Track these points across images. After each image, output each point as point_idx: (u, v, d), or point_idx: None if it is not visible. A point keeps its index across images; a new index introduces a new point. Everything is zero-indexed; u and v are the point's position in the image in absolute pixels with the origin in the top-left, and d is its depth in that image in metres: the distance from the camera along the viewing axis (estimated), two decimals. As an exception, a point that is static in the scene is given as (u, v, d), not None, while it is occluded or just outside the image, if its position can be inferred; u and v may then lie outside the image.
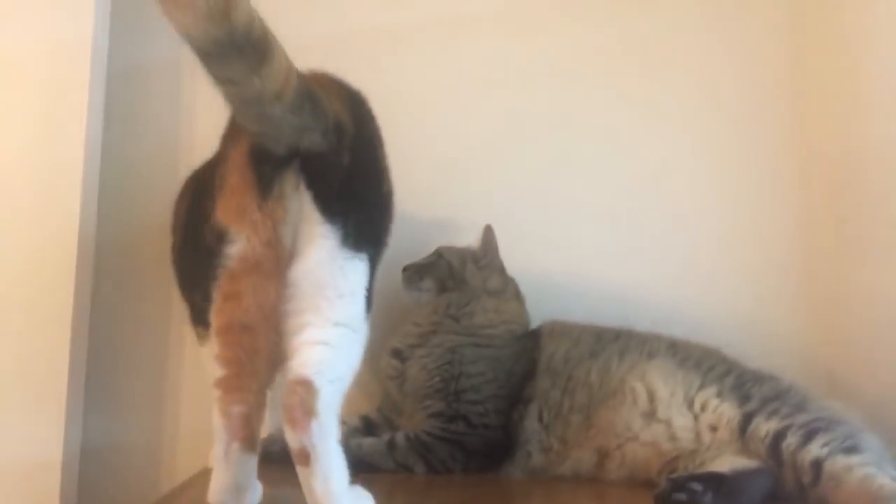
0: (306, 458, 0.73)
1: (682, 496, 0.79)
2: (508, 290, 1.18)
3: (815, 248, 1.30)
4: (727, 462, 0.87)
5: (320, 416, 0.73)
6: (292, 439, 0.73)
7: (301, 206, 0.78)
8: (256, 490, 0.81)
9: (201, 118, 1.38)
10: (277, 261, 0.77)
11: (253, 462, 0.79)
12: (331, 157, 0.79)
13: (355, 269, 0.79)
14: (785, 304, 1.30)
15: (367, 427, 1.15)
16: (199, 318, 1.02)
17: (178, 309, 1.34)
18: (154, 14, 0.68)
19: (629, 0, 1.39)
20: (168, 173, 1.34)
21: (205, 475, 0.91)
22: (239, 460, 0.77)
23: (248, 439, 0.77)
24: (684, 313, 1.28)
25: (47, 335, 1.19)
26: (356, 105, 0.84)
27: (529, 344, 1.11)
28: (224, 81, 0.71)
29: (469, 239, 1.24)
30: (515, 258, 1.22)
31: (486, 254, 1.20)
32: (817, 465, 0.84)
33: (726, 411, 0.94)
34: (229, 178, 0.79)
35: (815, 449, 0.85)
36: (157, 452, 1.34)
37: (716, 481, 0.81)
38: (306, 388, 0.73)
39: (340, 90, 0.84)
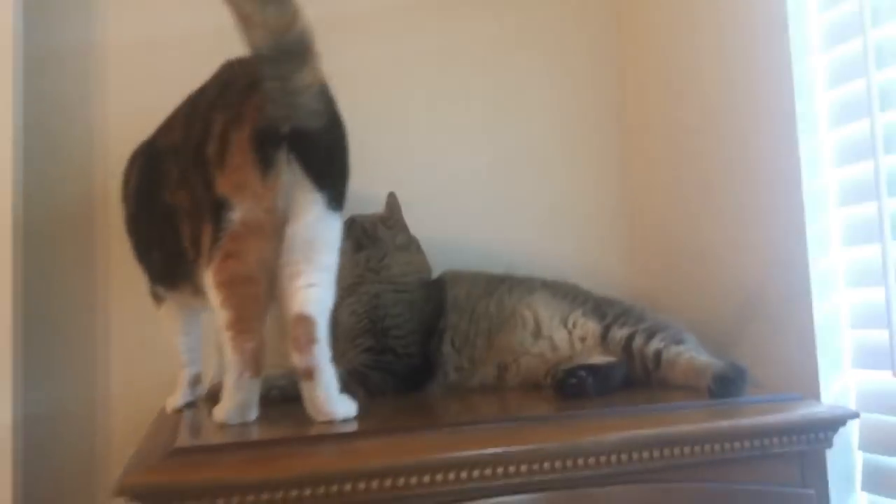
0: (311, 373, 0.93)
1: (573, 380, 1.08)
2: (413, 245, 1.43)
3: (639, 205, 1.70)
4: (596, 358, 1.18)
5: (320, 341, 0.93)
6: (299, 360, 0.93)
7: (294, 178, 0.95)
8: (256, 408, 1.00)
9: (112, 100, 1.48)
10: (276, 224, 0.95)
11: (258, 385, 0.97)
12: (323, 134, 0.96)
13: (336, 226, 0.99)
14: (618, 248, 1.70)
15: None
16: (158, 279, 1.16)
17: (105, 280, 1.46)
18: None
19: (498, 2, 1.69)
20: (85, 150, 1.46)
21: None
22: (249, 385, 0.95)
23: (257, 368, 0.95)
24: (546, 259, 1.61)
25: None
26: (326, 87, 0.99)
27: (435, 288, 1.36)
28: (274, 78, 0.89)
29: (375, 208, 1.47)
30: (413, 220, 1.47)
31: (392, 216, 1.43)
32: (657, 354, 1.16)
33: (591, 326, 1.25)
34: (231, 158, 0.95)
35: (655, 343, 1.17)
36: (91, 417, 1.43)
37: (594, 369, 1.11)
38: (308, 321, 0.93)
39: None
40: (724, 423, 0.95)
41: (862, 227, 1.16)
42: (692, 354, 1.14)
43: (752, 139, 1.32)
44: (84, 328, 1.44)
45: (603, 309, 1.29)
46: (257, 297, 0.95)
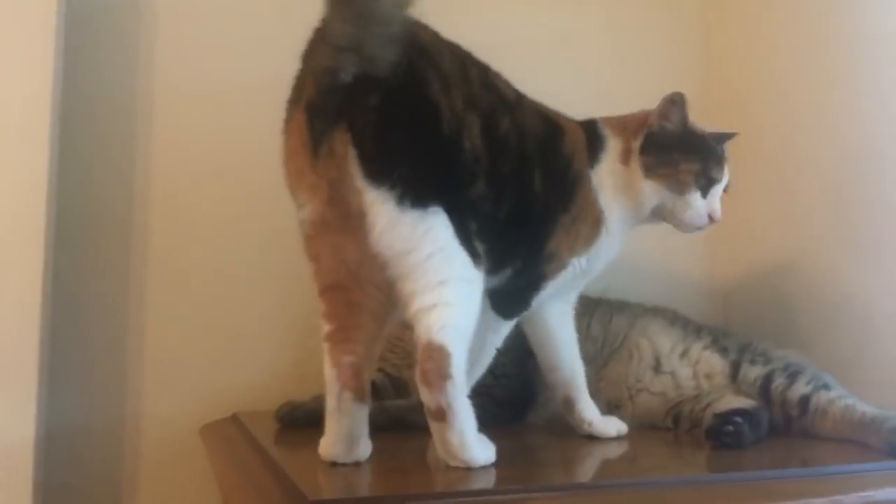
0: (442, 414, 0.75)
1: (730, 427, 0.93)
2: None
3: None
4: (736, 401, 1.03)
5: (454, 377, 0.75)
6: (428, 399, 0.75)
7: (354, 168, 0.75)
8: (368, 445, 0.82)
9: (161, 61, 1.31)
10: (344, 218, 0.76)
11: (365, 413, 0.80)
12: (396, 92, 0.75)
13: (431, 226, 0.75)
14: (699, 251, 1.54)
15: (373, 391, 1.17)
16: None
17: (138, 289, 1.27)
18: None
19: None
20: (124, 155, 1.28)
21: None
22: (352, 410, 0.78)
23: (359, 389, 0.79)
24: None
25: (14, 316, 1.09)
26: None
27: None
28: None
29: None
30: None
31: None
32: (805, 400, 1.02)
33: (716, 361, 1.11)
34: (289, 141, 0.79)
35: (800, 387, 1.03)
36: (120, 434, 1.25)
37: (748, 414, 0.96)
38: (439, 352, 0.74)
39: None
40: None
41: None
42: (848, 403, 1.00)
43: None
44: (115, 338, 1.28)
45: (722, 342, 1.14)
46: (351, 304, 0.79)
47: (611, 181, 0.96)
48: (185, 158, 1.33)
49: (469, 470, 0.78)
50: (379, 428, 0.99)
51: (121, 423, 1.26)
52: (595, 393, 1.10)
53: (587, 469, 0.96)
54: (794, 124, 1.36)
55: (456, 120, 0.78)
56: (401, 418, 1.03)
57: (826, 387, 1.03)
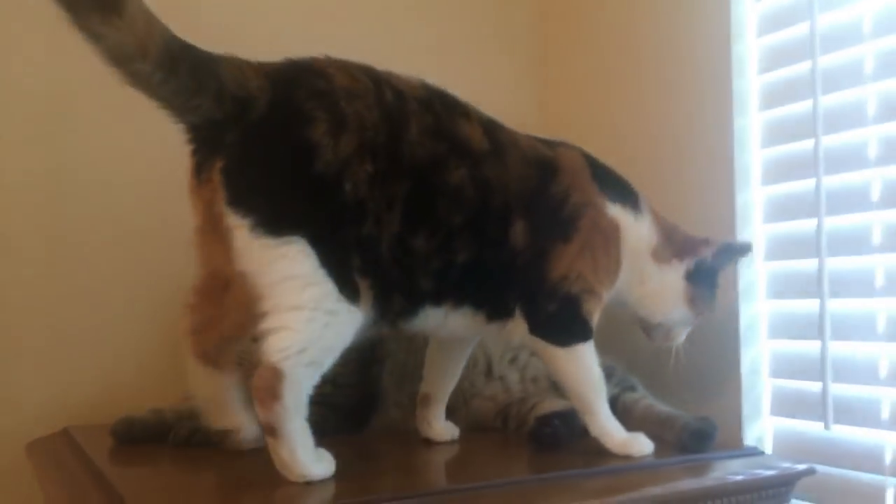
0: (272, 431, 0.80)
1: (548, 430, 1.02)
2: None
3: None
4: (557, 403, 1.13)
5: (285, 399, 0.79)
6: (259, 416, 0.80)
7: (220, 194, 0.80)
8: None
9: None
10: (218, 231, 0.81)
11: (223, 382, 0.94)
12: (230, 129, 0.79)
13: (283, 255, 0.79)
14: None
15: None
16: None
17: None
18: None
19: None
20: None
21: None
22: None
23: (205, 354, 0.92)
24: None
25: None
26: (286, 81, 0.83)
27: None
28: (90, 37, 0.74)
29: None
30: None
31: None
32: (613, 400, 1.13)
33: (541, 366, 1.21)
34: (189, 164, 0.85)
35: (610, 388, 1.13)
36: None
37: (566, 416, 1.06)
38: (272, 373, 0.79)
39: (268, 66, 0.84)
40: (711, 482, 0.94)
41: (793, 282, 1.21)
42: (649, 402, 1.13)
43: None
44: None
45: None
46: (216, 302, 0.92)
47: (633, 260, 1.03)
48: (14, 157, 1.26)
49: (308, 484, 0.82)
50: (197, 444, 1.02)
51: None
52: (432, 400, 1.18)
53: (423, 475, 1.01)
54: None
55: (338, 162, 0.81)
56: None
57: (632, 388, 1.17)
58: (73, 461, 1.00)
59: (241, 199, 0.79)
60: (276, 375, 0.78)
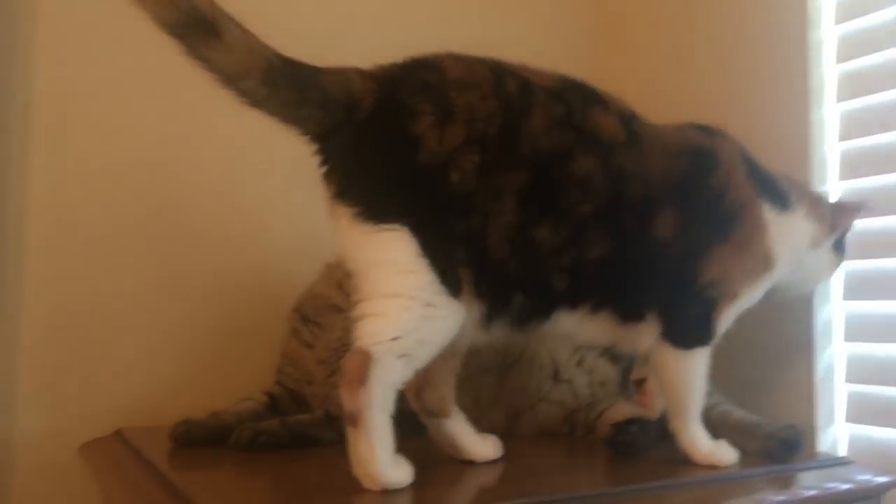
0: (355, 419, 0.77)
1: (627, 437, 0.97)
2: None
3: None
4: (629, 409, 1.09)
5: (372, 385, 0.76)
6: (344, 400, 0.77)
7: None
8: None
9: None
10: None
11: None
12: (338, 133, 0.82)
13: (382, 241, 0.79)
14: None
15: (273, 402, 1.15)
16: None
17: (10, 293, 1.19)
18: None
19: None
20: None
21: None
22: None
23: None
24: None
25: None
26: (393, 79, 0.84)
27: None
28: (200, 62, 0.78)
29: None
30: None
31: None
32: None
33: (608, 369, 1.16)
34: None
35: None
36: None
37: (643, 423, 1.01)
38: (361, 357, 0.77)
39: (378, 68, 0.85)
40: (808, 494, 0.89)
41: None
42: (725, 408, 1.07)
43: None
44: None
45: (612, 350, 1.19)
46: None
47: (790, 246, 0.98)
48: (66, 156, 1.23)
49: (383, 494, 0.77)
50: (280, 445, 0.99)
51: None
52: (495, 402, 1.13)
53: (484, 487, 0.95)
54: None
55: (443, 153, 0.81)
56: (305, 434, 1.01)
57: (708, 394, 1.11)
58: (133, 464, 0.97)
59: (346, 191, 0.81)
60: (366, 360, 0.77)
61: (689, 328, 0.92)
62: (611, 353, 1.18)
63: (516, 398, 1.13)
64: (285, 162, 1.31)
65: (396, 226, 0.80)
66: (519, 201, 0.82)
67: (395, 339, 0.78)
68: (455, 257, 0.81)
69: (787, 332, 1.19)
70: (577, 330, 0.89)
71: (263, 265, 1.34)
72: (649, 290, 0.90)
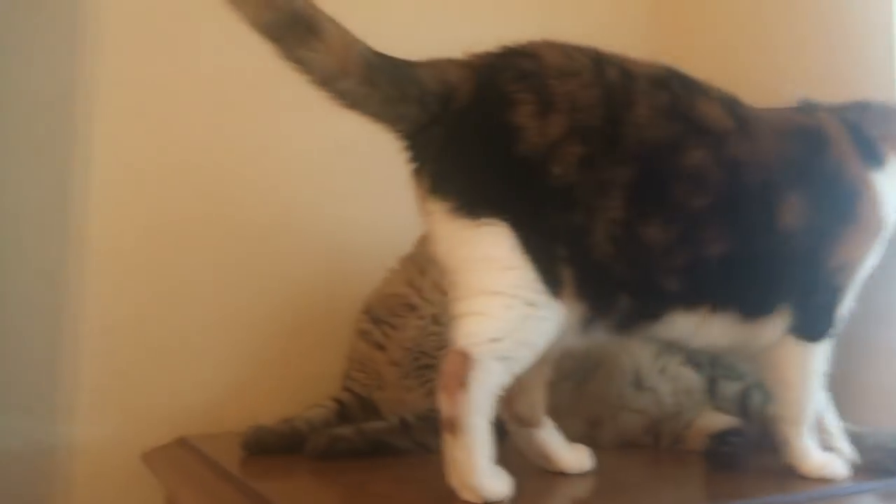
0: (453, 426, 0.72)
1: (729, 448, 0.92)
2: None
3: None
4: (721, 418, 1.03)
5: (472, 389, 0.72)
6: (442, 406, 0.73)
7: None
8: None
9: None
10: None
11: None
12: (436, 126, 0.78)
13: (481, 237, 0.75)
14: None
15: (342, 409, 1.11)
16: None
17: (71, 297, 1.16)
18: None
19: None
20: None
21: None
22: None
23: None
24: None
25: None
26: (490, 67, 0.80)
27: None
28: (297, 64, 0.75)
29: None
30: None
31: None
32: None
33: (693, 376, 1.10)
34: None
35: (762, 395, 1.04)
36: (49, 463, 1.13)
37: (742, 433, 0.95)
38: (461, 358, 0.73)
39: (474, 56, 0.81)
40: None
41: None
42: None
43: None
44: (44, 352, 1.15)
45: (695, 356, 1.13)
46: None
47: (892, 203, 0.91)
48: (130, 155, 1.21)
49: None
50: (357, 453, 0.94)
51: (50, 452, 1.13)
52: (573, 410, 1.08)
53: (595, 501, 0.91)
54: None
55: (544, 145, 0.77)
56: (381, 442, 0.97)
57: None
58: (206, 471, 0.93)
59: (441, 185, 0.77)
60: (466, 362, 0.72)
61: (817, 319, 0.87)
62: (694, 360, 1.13)
63: (596, 406, 1.08)
64: (350, 161, 1.33)
65: (495, 220, 0.75)
66: (625, 198, 0.77)
67: (495, 339, 0.74)
68: (556, 255, 0.77)
69: (878, 330, 1.12)
70: (693, 332, 0.84)
71: (328, 267, 1.31)
72: (778, 283, 0.85)
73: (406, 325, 1.11)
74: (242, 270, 1.27)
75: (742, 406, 1.06)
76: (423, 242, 1.20)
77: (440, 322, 1.09)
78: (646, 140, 0.79)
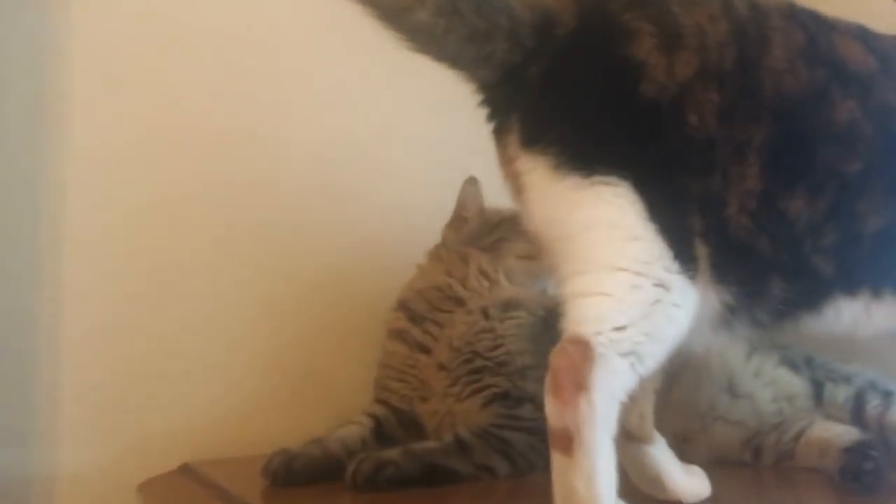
0: (567, 441, 0.55)
1: (871, 464, 0.76)
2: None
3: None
4: (840, 429, 0.86)
5: (593, 393, 0.55)
6: (552, 413, 0.56)
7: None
8: None
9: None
10: None
11: None
12: (531, 65, 0.63)
13: (599, 197, 0.60)
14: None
15: (378, 426, 0.93)
16: None
17: (50, 307, 0.98)
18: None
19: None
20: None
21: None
22: None
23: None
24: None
25: None
26: None
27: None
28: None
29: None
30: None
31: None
32: (857, 408, 0.90)
33: (794, 380, 0.94)
34: None
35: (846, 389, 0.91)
36: (28, 497, 0.94)
37: (878, 446, 0.79)
38: (579, 350, 0.56)
39: None
40: None
41: None
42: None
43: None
44: (21, 371, 0.95)
45: (789, 355, 0.98)
46: None
47: None
48: (106, 135, 1.01)
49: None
50: (408, 480, 0.77)
51: (25, 483, 0.94)
52: (657, 423, 0.91)
53: None
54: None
55: (674, 87, 0.62)
56: (435, 465, 0.79)
57: (889, 393, 0.91)
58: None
59: (541, 136, 0.62)
60: (586, 355, 0.56)
61: None
62: (790, 361, 0.97)
63: (686, 418, 0.91)
64: (363, 148, 1.16)
65: (615, 178, 0.60)
66: (763, 164, 0.62)
67: (619, 328, 0.58)
68: (690, 226, 0.61)
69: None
70: (861, 322, 0.67)
71: (347, 262, 1.12)
72: None
73: (453, 320, 0.94)
74: (248, 270, 1.08)
75: (856, 413, 0.91)
76: (455, 227, 1.05)
77: (491, 316, 0.93)
78: (783, 90, 0.63)
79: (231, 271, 1.07)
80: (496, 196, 0.95)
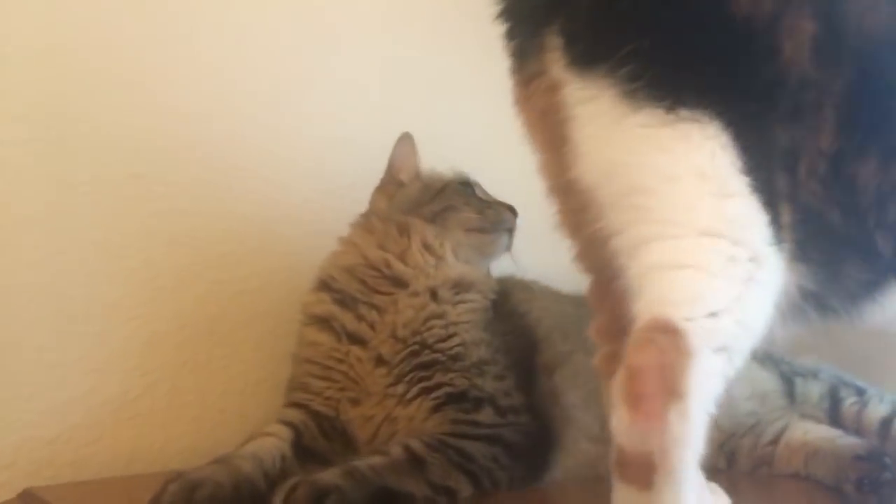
0: (648, 472, 0.41)
1: (889, 474, 0.67)
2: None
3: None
4: (825, 431, 0.78)
5: (689, 403, 0.42)
6: (627, 428, 0.42)
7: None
8: None
9: None
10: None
11: None
12: None
13: (683, 138, 0.46)
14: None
15: (297, 437, 0.72)
16: None
17: None
18: None
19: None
20: None
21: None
22: None
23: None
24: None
25: None
26: None
27: (502, 301, 0.83)
28: None
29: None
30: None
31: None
32: (887, 423, 0.82)
33: (766, 376, 0.87)
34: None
35: (877, 407, 0.84)
36: None
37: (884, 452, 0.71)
38: (670, 341, 0.42)
39: None
40: None
41: None
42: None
43: None
44: None
45: (773, 357, 0.91)
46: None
47: None
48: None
49: None
50: None
51: None
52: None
53: None
54: None
55: (768, 9, 0.49)
56: (385, 489, 0.61)
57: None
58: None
59: (606, 52, 0.47)
60: (681, 348, 0.42)
61: None
62: (755, 356, 0.88)
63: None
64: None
65: (704, 116, 0.47)
66: (838, 118, 0.50)
67: (712, 314, 0.44)
68: (776, 186, 0.48)
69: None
70: None
71: (242, 236, 0.90)
72: None
73: (395, 304, 0.76)
74: (110, 245, 0.82)
75: (833, 411, 0.84)
76: (387, 193, 0.87)
77: (441, 298, 0.77)
78: (866, 31, 0.52)
79: (84, 259, 0.80)
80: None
